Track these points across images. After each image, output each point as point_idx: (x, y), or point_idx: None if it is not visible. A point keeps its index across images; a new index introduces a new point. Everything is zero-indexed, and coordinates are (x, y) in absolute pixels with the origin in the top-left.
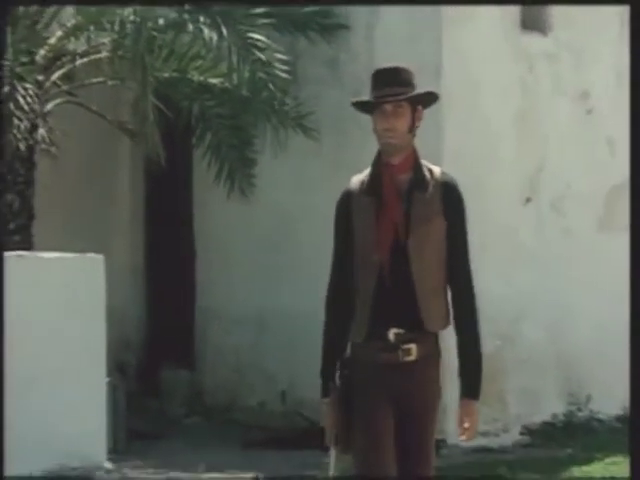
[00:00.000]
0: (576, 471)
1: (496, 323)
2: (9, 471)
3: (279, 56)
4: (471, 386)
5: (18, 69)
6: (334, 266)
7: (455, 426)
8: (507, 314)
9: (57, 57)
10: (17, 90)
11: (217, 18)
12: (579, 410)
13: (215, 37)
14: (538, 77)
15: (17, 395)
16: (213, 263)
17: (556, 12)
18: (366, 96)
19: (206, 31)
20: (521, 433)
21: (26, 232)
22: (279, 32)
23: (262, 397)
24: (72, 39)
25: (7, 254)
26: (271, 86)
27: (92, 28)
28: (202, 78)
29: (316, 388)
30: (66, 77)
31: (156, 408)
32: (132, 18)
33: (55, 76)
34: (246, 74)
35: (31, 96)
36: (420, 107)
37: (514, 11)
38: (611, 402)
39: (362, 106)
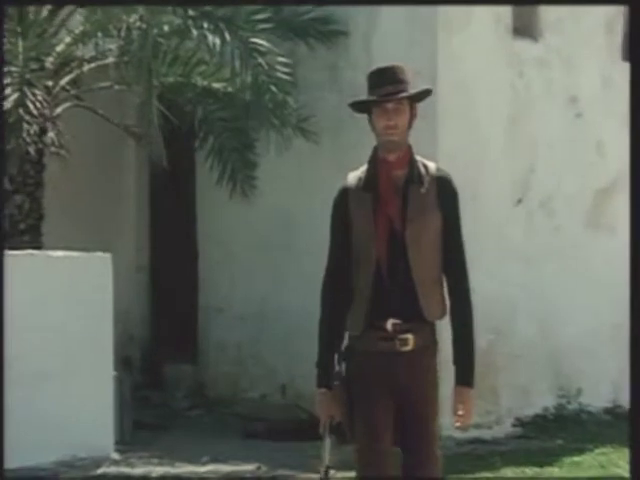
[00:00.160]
0: (566, 461)
1: (489, 320)
2: (19, 462)
3: (280, 59)
4: (465, 373)
5: (28, 75)
6: (330, 257)
7: (449, 418)
8: (499, 311)
9: (65, 63)
10: (27, 96)
11: (220, 24)
12: (569, 403)
13: (218, 43)
14: (529, 82)
15: (27, 389)
16: (215, 262)
17: (546, 19)
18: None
19: (210, 37)
20: (513, 425)
21: (36, 232)
22: (280, 38)
23: (263, 390)
24: (80, 45)
25: (18, 253)
26: (273, 88)
27: (99, 35)
28: (206, 83)
29: (314, 381)
30: (74, 82)
31: (160, 401)
32: (138, 25)
33: (63, 81)
34: (248, 78)
35: (40, 101)
36: (416, 104)
37: (506, 17)
38: (600, 395)
39: (361, 105)
